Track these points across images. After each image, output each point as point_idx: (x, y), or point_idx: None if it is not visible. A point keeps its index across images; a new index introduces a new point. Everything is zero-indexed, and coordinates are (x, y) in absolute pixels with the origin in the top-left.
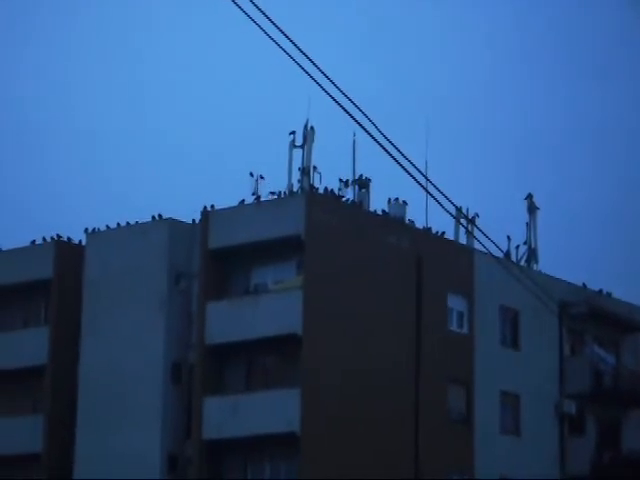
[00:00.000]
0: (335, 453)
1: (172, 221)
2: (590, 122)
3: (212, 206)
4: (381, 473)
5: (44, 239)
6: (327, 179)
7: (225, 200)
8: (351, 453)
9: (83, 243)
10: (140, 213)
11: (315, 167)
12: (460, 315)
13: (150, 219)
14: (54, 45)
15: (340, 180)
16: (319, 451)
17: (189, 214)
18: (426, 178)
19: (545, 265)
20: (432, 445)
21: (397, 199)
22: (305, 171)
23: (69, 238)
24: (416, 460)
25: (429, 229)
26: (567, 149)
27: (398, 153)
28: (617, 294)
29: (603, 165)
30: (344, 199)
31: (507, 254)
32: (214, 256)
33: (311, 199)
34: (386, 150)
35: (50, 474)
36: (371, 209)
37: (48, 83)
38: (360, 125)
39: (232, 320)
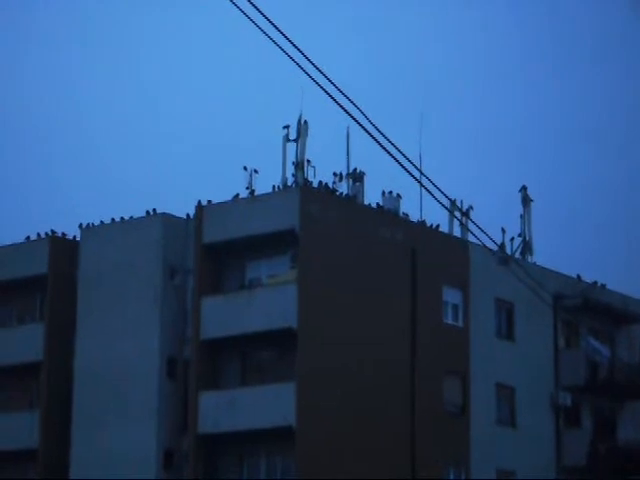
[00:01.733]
0: (331, 446)
1: (166, 216)
2: (588, 114)
3: (209, 201)
4: (377, 465)
5: (39, 235)
6: (321, 173)
7: (219, 195)
8: (347, 446)
9: (78, 239)
10: (134, 208)
11: (309, 161)
12: (455, 308)
13: (144, 214)
14: (55, 40)
15: (334, 174)
16: (315, 445)
17: (183, 209)
18: (420, 171)
19: (540, 257)
20: (428, 437)
21: (391, 192)
22: (299, 165)
23: (64, 234)
24: (412, 452)
25: (423, 222)
26: (562, 141)
27: (392, 146)
28: (611, 286)
29: (598, 157)
30: (338, 193)
31: (502, 246)
32: (208, 251)
33: (305, 193)
34: (379, 143)
35: (46, 470)
36: (365, 202)
37: (45, 79)
38: (353, 118)
39: (227, 315)
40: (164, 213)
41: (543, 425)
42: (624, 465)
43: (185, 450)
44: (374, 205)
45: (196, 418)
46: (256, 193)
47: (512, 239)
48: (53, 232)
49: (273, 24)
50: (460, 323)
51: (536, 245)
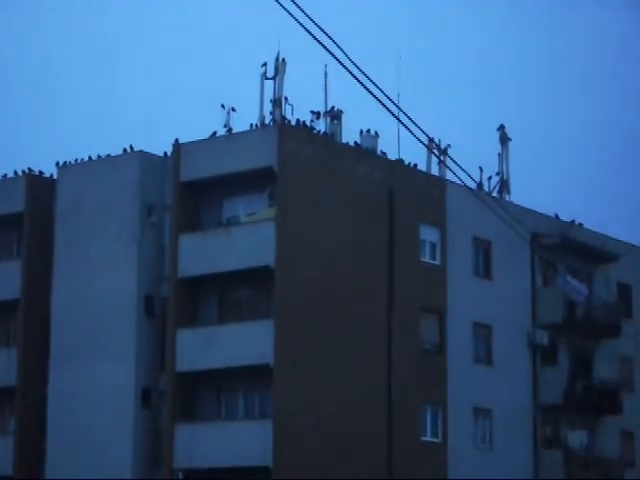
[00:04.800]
0: (308, 384)
1: (144, 154)
2: (569, 52)
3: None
4: (354, 403)
5: (15, 173)
6: (299, 111)
7: (197, 132)
8: (324, 384)
9: (55, 177)
10: (112, 146)
11: (287, 99)
12: (432, 246)
13: (122, 152)
14: None
15: (312, 112)
16: (292, 382)
17: (161, 147)
18: (398, 108)
19: (517, 196)
20: (405, 375)
21: (369, 130)
22: (277, 103)
23: (40, 172)
24: (389, 389)
25: (401, 160)
26: (540, 78)
27: (370, 83)
28: (589, 225)
29: (577, 95)
30: (316, 131)
31: (479, 185)
32: (186, 188)
33: (283, 131)
34: (358, 80)
35: (24, 407)
36: (343, 140)
37: (16, 14)
38: (332, 55)
39: (205, 252)
40: (141, 151)
41: (520, 363)
42: (600, 403)
43: (163, 388)
44: (352, 143)
45: (174, 356)
46: (234, 131)
47: (490, 178)
48: (30, 170)
49: None
50: (437, 261)
51: (514, 184)
